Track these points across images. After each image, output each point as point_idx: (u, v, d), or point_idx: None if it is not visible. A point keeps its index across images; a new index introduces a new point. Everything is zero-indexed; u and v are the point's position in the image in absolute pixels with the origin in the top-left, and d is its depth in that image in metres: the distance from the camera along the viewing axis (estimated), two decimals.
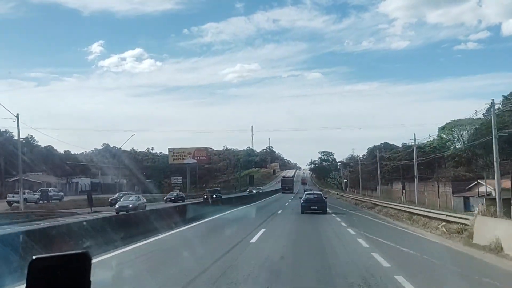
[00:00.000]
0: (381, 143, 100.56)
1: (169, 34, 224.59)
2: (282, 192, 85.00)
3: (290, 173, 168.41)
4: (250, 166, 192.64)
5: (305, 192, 33.45)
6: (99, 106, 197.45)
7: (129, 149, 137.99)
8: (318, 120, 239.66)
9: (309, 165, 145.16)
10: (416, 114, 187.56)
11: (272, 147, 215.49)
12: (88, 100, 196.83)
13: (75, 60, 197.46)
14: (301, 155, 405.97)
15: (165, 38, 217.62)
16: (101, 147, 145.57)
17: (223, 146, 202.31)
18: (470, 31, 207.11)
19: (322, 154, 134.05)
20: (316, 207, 27.64)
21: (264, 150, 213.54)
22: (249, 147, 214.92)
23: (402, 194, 47.08)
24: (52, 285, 1.32)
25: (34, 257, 1.35)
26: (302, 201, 28.56)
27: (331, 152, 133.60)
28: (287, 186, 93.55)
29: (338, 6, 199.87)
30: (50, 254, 1.37)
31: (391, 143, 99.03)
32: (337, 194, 70.74)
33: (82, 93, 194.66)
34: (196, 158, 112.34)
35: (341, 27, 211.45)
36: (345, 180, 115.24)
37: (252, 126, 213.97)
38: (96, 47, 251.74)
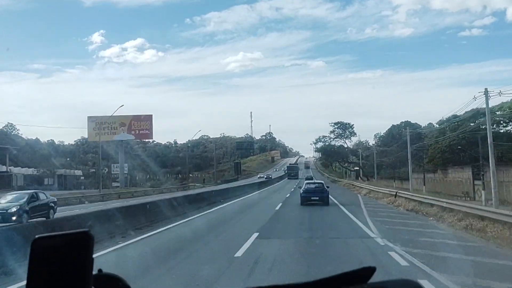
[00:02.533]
0: (402, 122, 79.20)
1: (172, 24, 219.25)
2: (288, 178, 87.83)
3: (292, 160, 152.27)
4: (249, 154, 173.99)
5: (306, 182, 29.78)
6: (102, 97, 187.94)
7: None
8: (322, 109, 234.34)
9: (315, 143, 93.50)
10: (420, 102, 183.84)
11: (272, 133, 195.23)
12: (91, 91, 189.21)
13: (78, 51, 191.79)
14: (304, 144, 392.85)
15: (168, 28, 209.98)
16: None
17: (220, 134, 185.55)
18: (475, 17, 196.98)
19: (336, 126, 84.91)
20: (317, 198, 25.06)
21: (264, 137, 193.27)
22: (247, 134, 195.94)
23: (483, 189, 25.70)
24: (55, 264, 1.22)
25: (36, 236, 1.23)
26: (301, 191, 26.14)
27: (348, 124, 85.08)
28: (292, 172, 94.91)
29: None
30: (52, 233, 1.25)
31: (413, 122, 77.74)
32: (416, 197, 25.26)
33: (84, 84, 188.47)
34: (134, 131, 73.35)
35: (345, 15, 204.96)
36: (356, 168, 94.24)
37: (251, 112, 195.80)
38: (97, 37, 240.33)
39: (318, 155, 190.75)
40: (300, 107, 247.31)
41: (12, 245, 9.19)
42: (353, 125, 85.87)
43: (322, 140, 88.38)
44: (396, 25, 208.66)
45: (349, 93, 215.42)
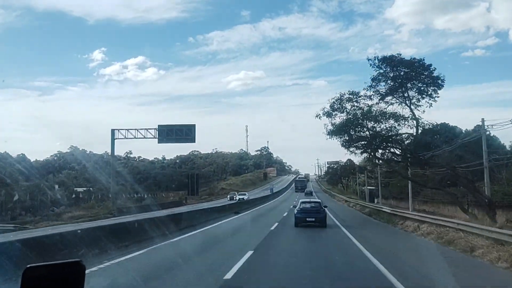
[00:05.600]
0: (435, 125, 56.29)
1: (174, 42, 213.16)
2: (296, 191, 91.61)
3: (289, 178, 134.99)
4: (242, 171, 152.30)
5: (301, 201, 25.42)
6: (103, 115, 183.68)
7: (101, 153, 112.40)
8: (323, 129, 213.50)
9: (328, 114, 28.00)
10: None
11: (268, 148, 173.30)
12: (92, 110, 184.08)
13: (80, 69, 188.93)
14: (304, 163, 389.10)
15: (170, 47, 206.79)
16: (68, 150, 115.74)
17: (212, 149, 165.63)
18: (478, 38, 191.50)
19: (381, 65, 27.48)
20: (313, 219, 22.01)
21: (259, 152, 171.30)
22: (242, 149, 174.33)
23: None
24: None
25: (27, 265, 1.26)
26: (296, 211, 23.12)
27: (419, 61, 27.56)
28: (300, 186, 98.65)
29: (344, 13, 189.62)
30: (44, 263, 1.28)
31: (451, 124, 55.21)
32: None
33: (86, 102, 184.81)
34: None
35: (347, 35, 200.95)
36: (371, 188, 71.67)
37: (246, 126, 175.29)
38: (97, 55, 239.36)
39: (321, 172, 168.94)
40: (301, 126, 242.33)
41: (3, 273, 7.63)
42: (431, 65, 27.76)
43: (344, 105, 28.54)
44: (399, 45, 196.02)
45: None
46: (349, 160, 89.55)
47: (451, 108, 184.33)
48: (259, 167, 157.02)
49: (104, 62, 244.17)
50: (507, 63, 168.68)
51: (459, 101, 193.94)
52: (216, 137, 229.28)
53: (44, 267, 1.18)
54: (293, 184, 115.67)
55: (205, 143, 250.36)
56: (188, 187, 61.23)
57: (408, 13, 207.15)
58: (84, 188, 60.08)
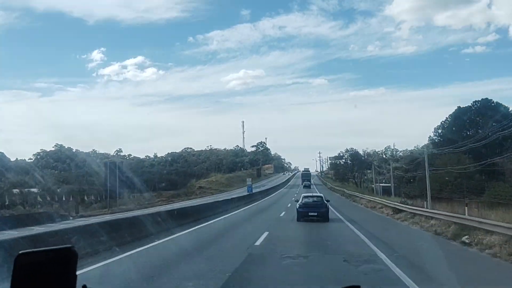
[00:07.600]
0: (475, 102, 43.32)
1: (174, 42, 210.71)
2: (302, 184, 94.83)
3: (285, 176, 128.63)
4: (237, 169, 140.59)
5: (303, 195, 24.89)
6: (104, 116, 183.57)
7: (88, 151, 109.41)
8: (323, 127, 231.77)
9: None
10: (422, 121, 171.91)
11: (265, 143, 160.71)
12: (93, 110, 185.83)
13: (79, 69, 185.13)
14: (304, 161, 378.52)
15: (170, 47, 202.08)
16: (53, 148, 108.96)
17: (207, 146, 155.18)
18: (479, 34, 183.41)
19: None
20: (316, 213, 21.67)
21: (255, 148, 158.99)
22: (237, 145, 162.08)
23: None
24: (38, 280, 1.26)
25: (19, 252, 1.29)
26: (298, 206, 22.86)
27: None
28: (306, 178, 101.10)
29: (344, 12, 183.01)
30: (36, 249, 1.31)
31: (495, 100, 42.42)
32: None
33: (87, 103, 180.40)
34: None
35: (347, 33, 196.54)
36: (382, 185, 59.53)
37: (243, 122, 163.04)
38: (96, 55, 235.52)
39: (322, 168, 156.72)
40: (301, 125, 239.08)
41: None
42: None
43: None
44: (399, 43, 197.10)
45: (351, 111, 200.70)
46: (356, 151, 76.92)
47: (452, 105, 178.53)
48: (256, 164, 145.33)
49: (103, 62, 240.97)
50: (508, 60, 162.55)
51: (460, 98, 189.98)
52: (216, 137, 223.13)
53: (36, 253, 1.15)
54: (294, 178, 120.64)
55: (203, 142, 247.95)
56: (106, 188, 38.89)
57: (408, 9, 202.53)
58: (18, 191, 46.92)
